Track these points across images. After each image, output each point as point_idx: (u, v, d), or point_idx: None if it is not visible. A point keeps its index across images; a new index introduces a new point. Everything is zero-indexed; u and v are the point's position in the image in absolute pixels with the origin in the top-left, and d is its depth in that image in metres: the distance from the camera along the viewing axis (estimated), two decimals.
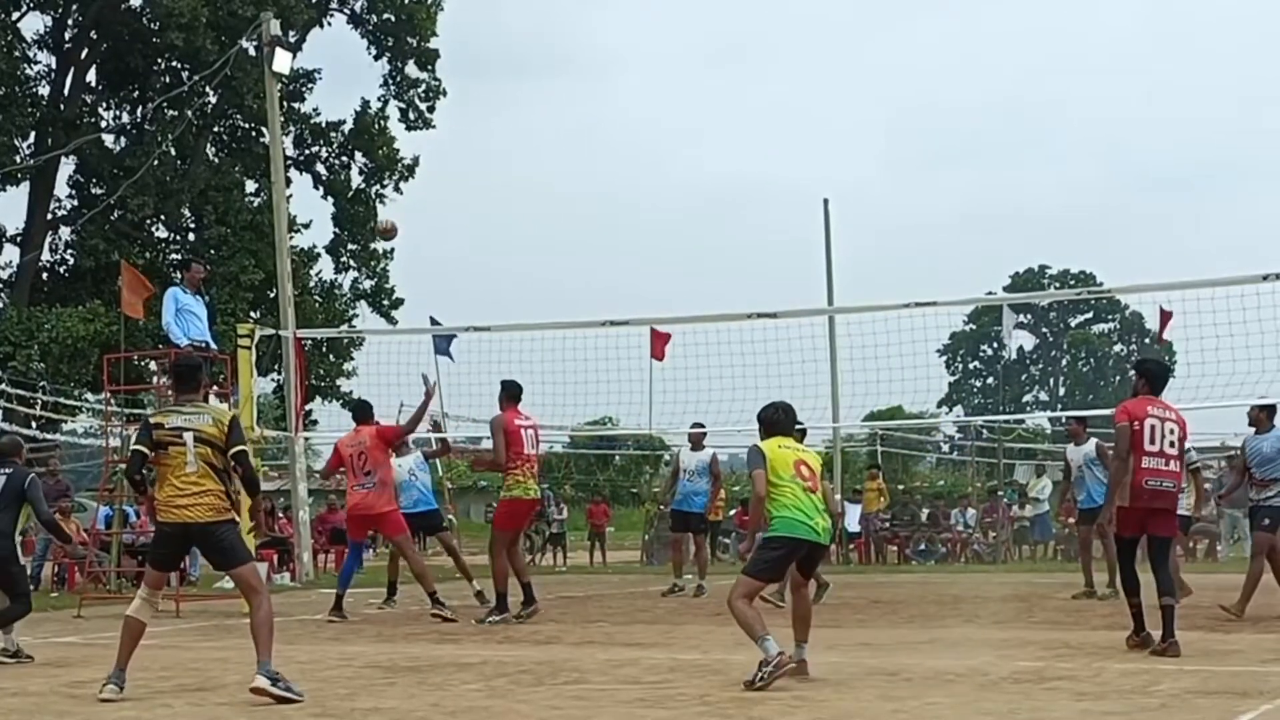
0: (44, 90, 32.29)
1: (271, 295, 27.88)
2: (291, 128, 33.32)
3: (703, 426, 16.67)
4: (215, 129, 33.75)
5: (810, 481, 8.28)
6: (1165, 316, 16.74)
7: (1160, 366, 10.04)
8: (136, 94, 33.06)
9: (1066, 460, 16.37)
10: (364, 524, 14.05)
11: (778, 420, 8.60)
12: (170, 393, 15.71)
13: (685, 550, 16.81)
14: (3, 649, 10.07)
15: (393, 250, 35.24)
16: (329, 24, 33.84)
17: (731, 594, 8.13)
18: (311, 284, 33.40)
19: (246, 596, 8.08)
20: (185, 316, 15.32)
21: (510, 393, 12.87)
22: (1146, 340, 76.30)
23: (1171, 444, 9.26)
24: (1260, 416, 12.79)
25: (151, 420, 8.17)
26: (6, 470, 10.24)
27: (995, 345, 79.42)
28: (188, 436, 7.87)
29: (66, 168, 32.19)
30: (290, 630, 11.95)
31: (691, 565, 16.73)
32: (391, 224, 18.78)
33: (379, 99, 34.53)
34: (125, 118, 33.35)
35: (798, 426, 9.79)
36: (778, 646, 7.82)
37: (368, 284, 34.96)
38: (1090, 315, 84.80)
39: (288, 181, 26.78)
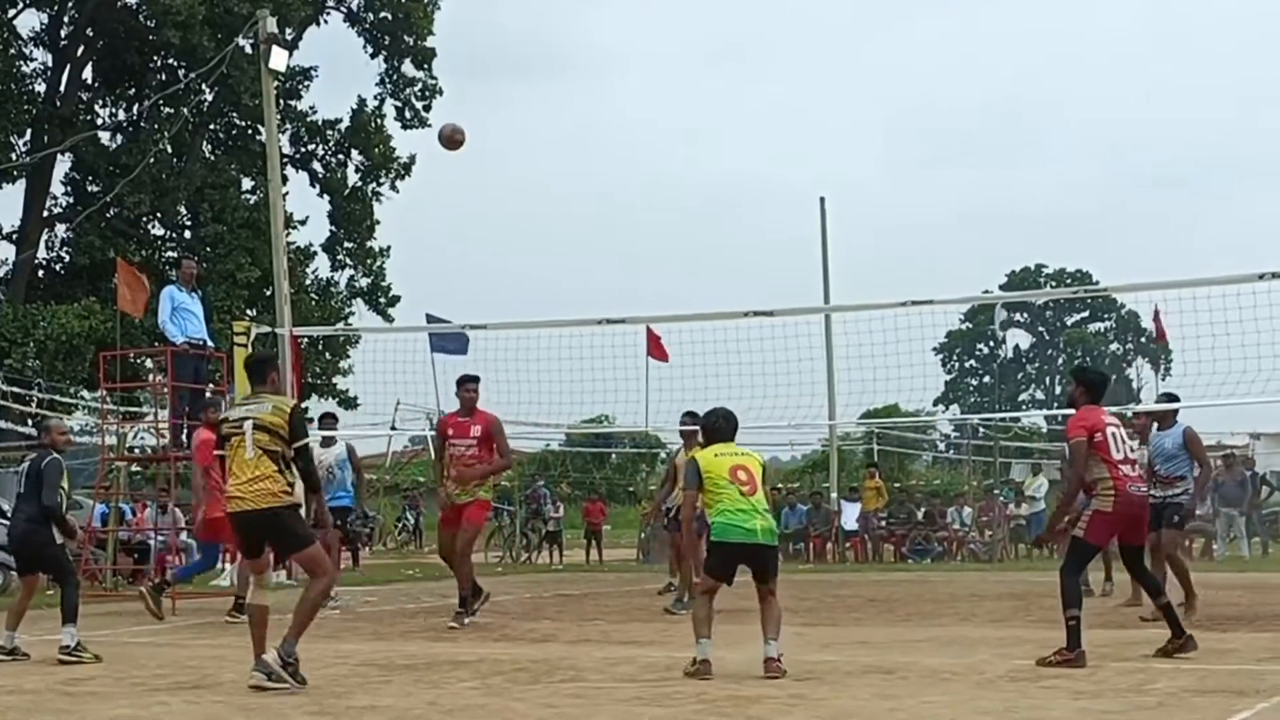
0: (40, 88, 32.32)
1: (268, 293, 27.88)
2: (288, 126, 33.32)
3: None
4: (211, 127, 33.76)
5: (748, 485, 8.46)
6: (1157, 320, 16.79)
7: (1101, 376, 9.94)
8: (133, 91, 33.06)
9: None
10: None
11: (719, 428, 8.86)
12: (166, 391, 15.81)
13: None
14: (64, 646, 10.03)
15: (389, 248, 35.31)
16: (325, 22, 33.88)
17: (693, 590, 8.71)
18: (308, 282, 33.41)
19: (310, 574, 8.27)
20: (182, 315, 15.32)
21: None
22: (1143, 339, 76.45)
23: (1132, 449, 9.20)
24: (1164, 413, 12.79)
25: (222, 417, 8.49)
26: (32, 455, 10.41)
27: (991, 344, 79.51)
28: (247, 425, 8.03)
29: (62, 165, 32.23)
30: (285, 628, 11.92)
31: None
32: (454, 133, 14.48)
33: (375, 97, 34.60)
34: (121, 115, 33.36)
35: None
36: (706, 653, 8.25)
37: (364, 282, 34.98)
38: (1086, 314, 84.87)
39: (284, 179, 26.76)
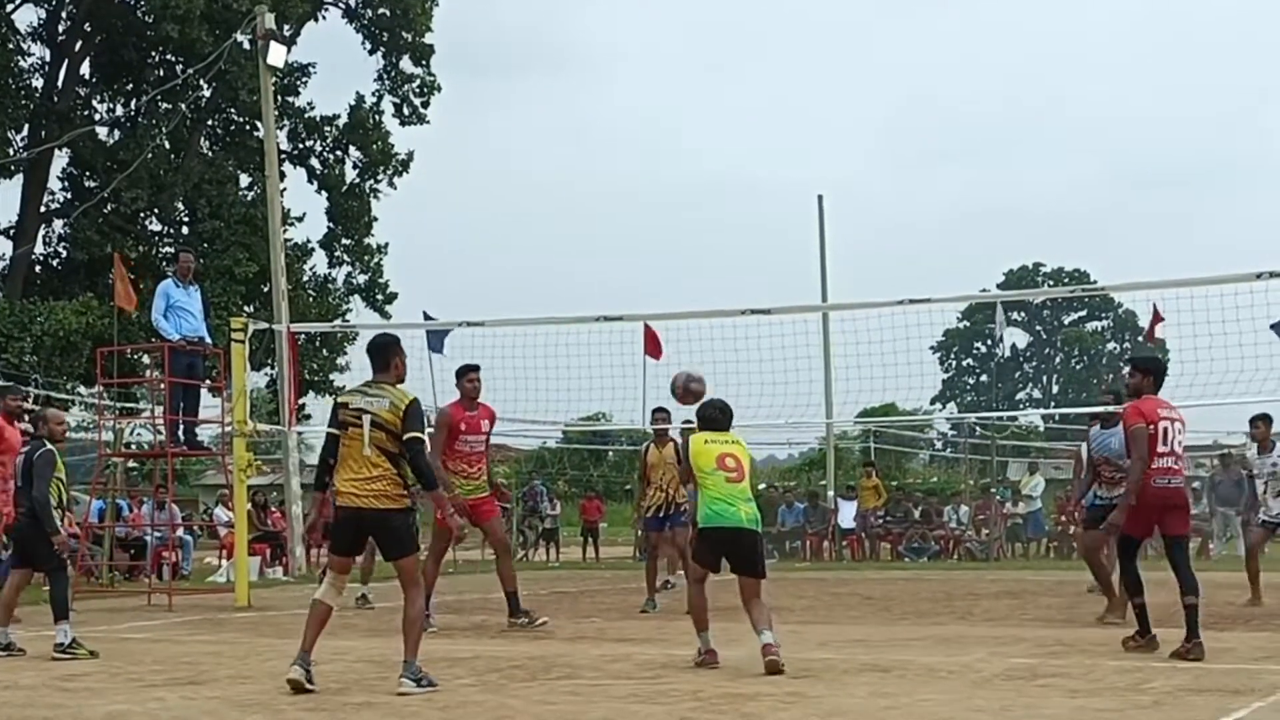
0: (38, 82, 32.25)
1: (265, 289, 27.85)
2: (286, 122, 33.29)
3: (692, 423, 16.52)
4: (209, 122, 33.72)
5: (735, 473, 8.75)
6: (1155, 318, 16.78)
7: (1161, 362, 10.10)
8: (130, 87, 33.01)
9: (1080, 457, 16.50)
10: None
11: (714, 419, 9.11)
12: (162, 387, 15.80)
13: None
14: (58, 644, 9.94)
15: (386, 245, 35.30)
16: (324, 18, 33.80)
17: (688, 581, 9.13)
18: (305, 278, 33.38)
19: (404, 588, 7.91)
20: (177, 313, 15.27)
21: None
22: (1140, 339, 76.45)
23: (1180, 443, 9.34)
24: (1109, 412, 12.84)
25: (338, 400, 8.08)
26: (27, 447, 10.33)
27: (989, 343, 79.49)
28: (365, 420, 7.71)
29: (60, 160, 32.18)
30: (283, 624, 11.95)
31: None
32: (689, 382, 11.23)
33: (373, 94, 34.54)
34: (119, 110, 33.32)
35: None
36: (710, 644, 8.67)
37: (361, 278, 34.95)
38: (1084, 313, 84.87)
39: (282, 176, 26.77)
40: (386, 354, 8.07)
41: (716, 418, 9.09)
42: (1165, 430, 9.28)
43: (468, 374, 11.96)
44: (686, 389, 10.31)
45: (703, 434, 9.02)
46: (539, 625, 11.31)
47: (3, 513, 12.10)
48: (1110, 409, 12.65)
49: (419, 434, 7.78)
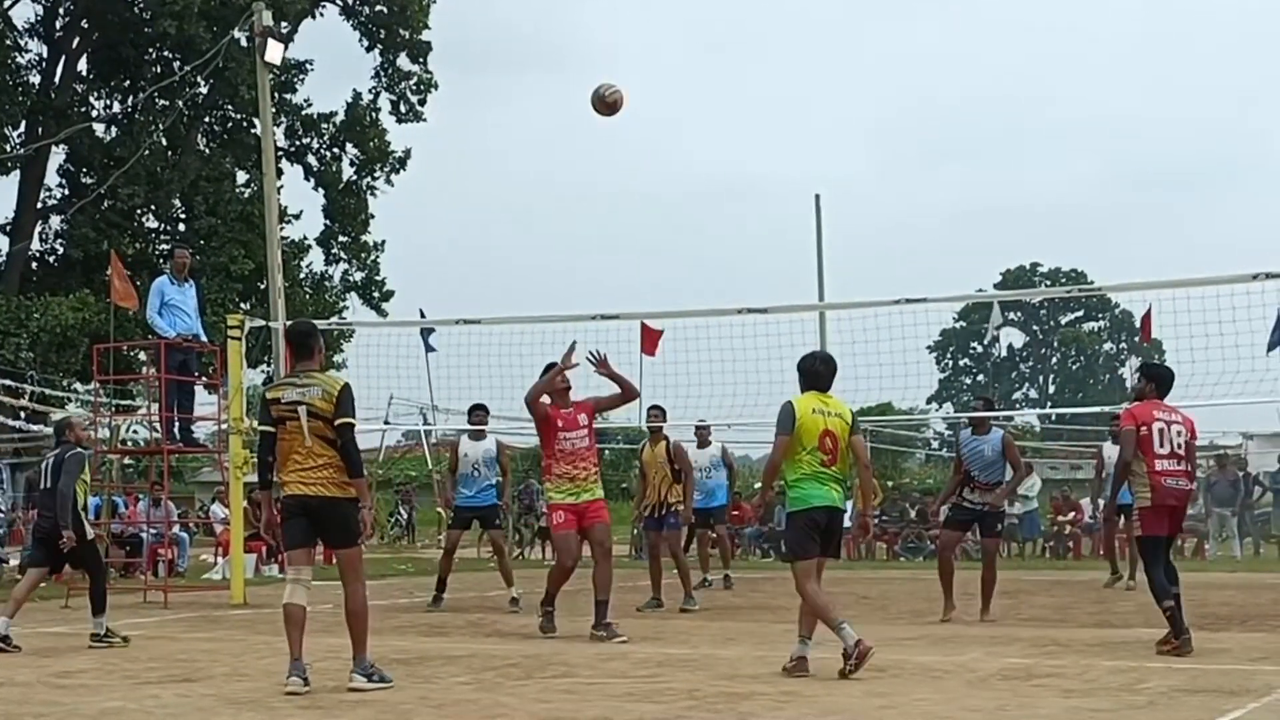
0: (35, 79, 32.23)
1: (261, 286, 27.82)
2: (283, 119, 33.26)
3: (705, 424, 16.67)
4: (206, 119, 33.69)
5: (831, 455, 8.18)
6: (1145, 318, 16.82)
7: (1167, 371, 10.23)
8: (128, 83, 32.97)
9: (1102, 457, 16.70)
10: None
11: (818, 372, 8.41)
12: (158, 384, 15.79)
13: (707, 545, 16.78)
14: (95, 634, 10.39)
15: (383, 242, 35.28)
16: (321, 15, 33.78)
17: (797, 585, 8.29)
18: (302, 275, 33.36)
19: (344, 581, 7.89)
20: (172, 310, 15.25)
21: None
22: (1136, 339, 76.52)
23: (1179, 445, 9.39)
24: (980, 419, 13.20)
25: (268, 396, 7.95)
26: (56, 450, 10.63)
27: (985, 342, 79.55)
28: (301, 411, 7.66)
29: (57, 157, 32.13)
30: (279, 622, 11.88)
31: (716, 559, 16.81)
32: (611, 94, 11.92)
33: (370, 91, 34.51)
34: (116, 107, 33.26)
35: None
36: (854, 633, 8.01)
37: (358, 276, 34.93)
38: (1081, 313, 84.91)
39: (279, 173, 26.78)
40: (310, 341, 8.02)
41: (820, 371, 8.36)
42: (1160, 432, 9.34)
43: (557, 372, 11.22)
44: (601, 99, 10.18)
45: (808, 398, 8.25)
46: (618, 641, 10.30)
47: None
48: (982, 414, 12.85)
49: (350, 419, 7.74)
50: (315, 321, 29.40)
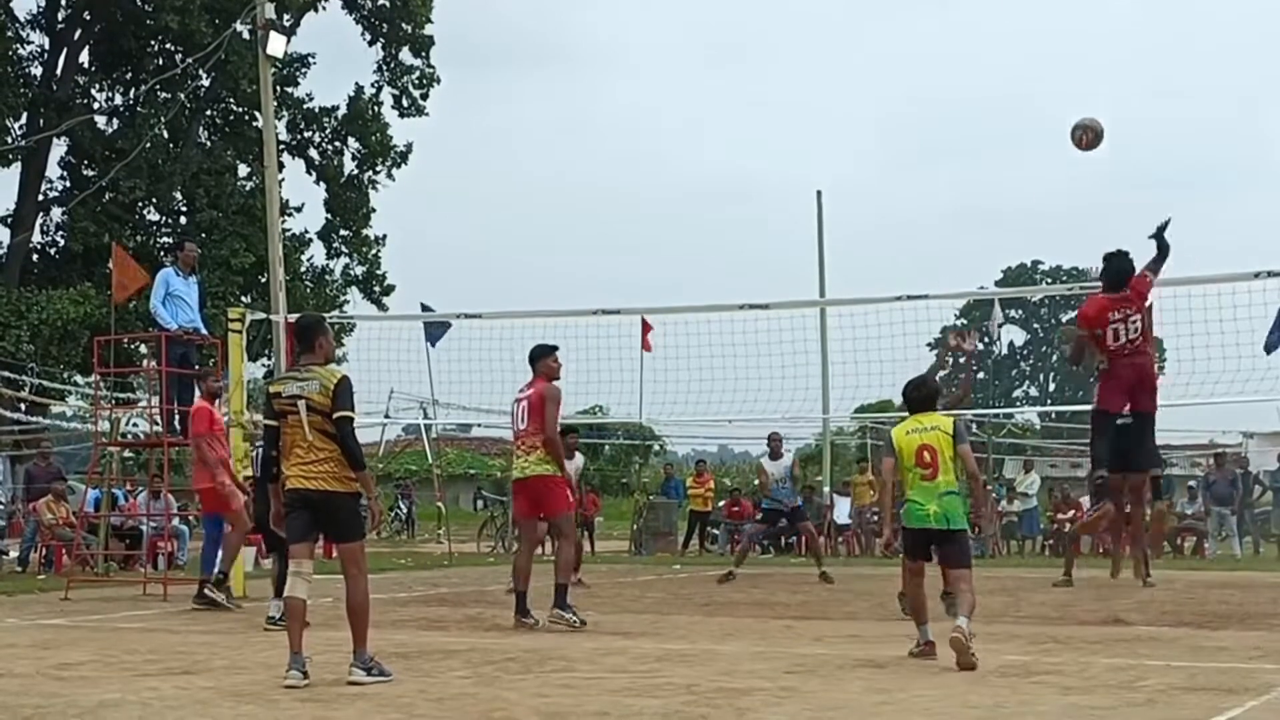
0: (36, 70, 32.18)
1: (262, 280, 27.78)
2: (285, 112, 33.23)
3: (779, 435, 17.56)
4: (208, 112, 33.67)
5: (929, 469, 8.68)
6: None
7: (1112, 258, 11.12)
8: (129, 76, 32.94)
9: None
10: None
11: (911, 399, 9.04)
12: (159, 376, 15.77)
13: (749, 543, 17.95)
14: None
15: (384, 236, 35.28)
16: (324, 8, 33.71)
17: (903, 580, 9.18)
18: (303, 269, 33.35)
19: (346, 575, 7.91)
20: (175, 301, 15.25)
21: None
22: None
23: (1135, 333, 10.14)
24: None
25: (270, 390, 7.99)
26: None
27: (985, 340, 79.50)
28: (301, 405, 7.68)
29: (58, 149, 32.10)
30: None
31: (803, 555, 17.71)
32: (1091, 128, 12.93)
33: (373, 85, 34.49)
34: (118, 99, 33.24)
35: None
36: (929, 635, 8.75)
37: (359, 270, 34.93)
38: None
39: (280, 166, 26.73)
40: (312, 335, 8.03)
41: (914, 398, 9.02)
42: (1116, 331, 9.66)
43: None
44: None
45: (906, 423, 8.89)
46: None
47: (234, 493, 13.02)
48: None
49: (348, 412, 7.72)
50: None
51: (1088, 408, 13.50)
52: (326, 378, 7.77)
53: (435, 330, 19.09)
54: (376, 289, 34.90)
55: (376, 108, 34.35)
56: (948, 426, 8.80)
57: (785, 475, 17.01)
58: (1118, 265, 11.32)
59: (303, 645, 7.72)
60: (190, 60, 27.42)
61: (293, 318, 9.75)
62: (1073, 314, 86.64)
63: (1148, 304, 10.54)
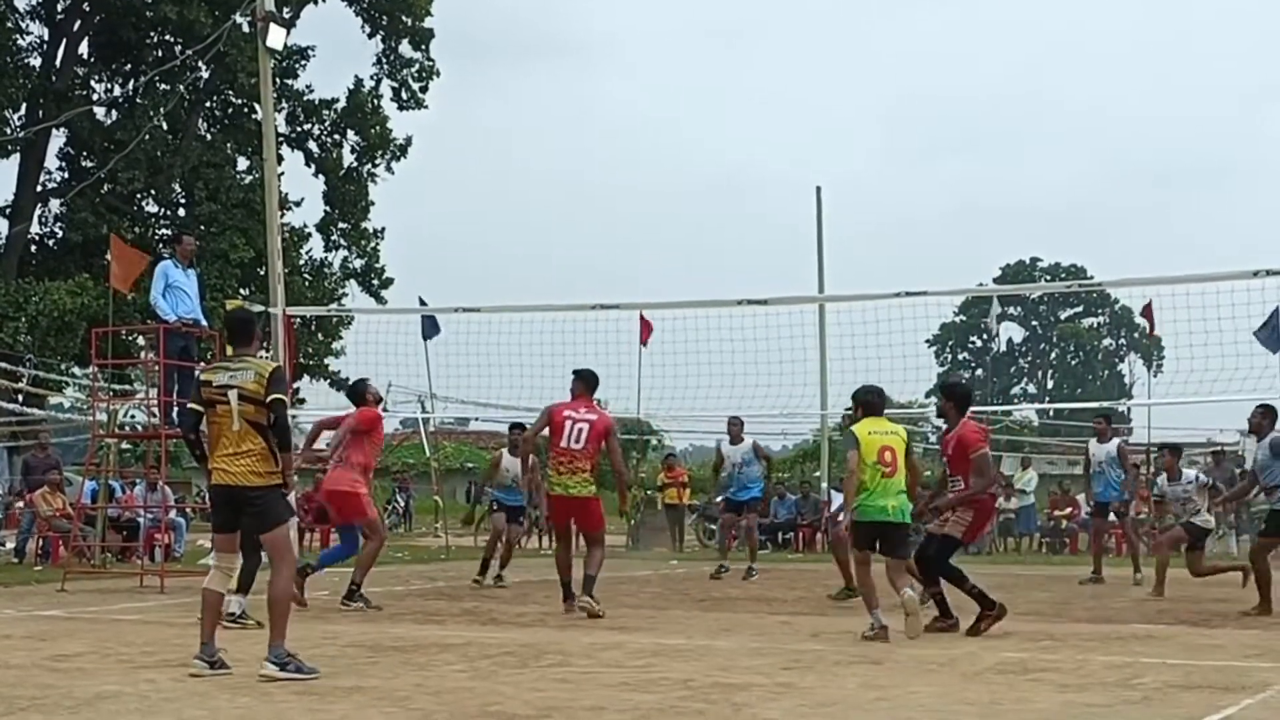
0: (36, 62, 32.18)
1: (261, 273, 27.80)
2: (284, 105, 33.22)
3: (738, 418, 17.21)
4: (207, 104, 33.65)
5: (890, 467, 9.64)
6: (1147, 312, 16.83)
7: (967, 389, 11.19)
8: (129, 67, 32.93)
9: (1089, 456, 16.87)
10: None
11: (872, 403, 10.08)
12: (156, 368, 15.76)
13: (736, 533, 17.38)
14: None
15: (383, 230, 35.26)
16: (323, 1, 33.73)
17: (853, 566, 10.20)
18: (301, 262, 33.33)
19: (271, 562, 7.96)
20: (175, 293, 15.22)
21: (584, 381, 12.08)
22: (1136, 335, 76.57)
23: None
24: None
25: (201, 377, 8.02)
26: None
27: (984, 337, 79.59)
28: (232, 395, 7.70)
29: (57, 140, 32.12)
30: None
31: (741, 548, 17.22)
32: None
33: (372, 78, 34.49)
34: (117, 91, 33.23)
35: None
36: (882, 620, 9.54)
37: (358, 263, 34.91)
38: (1080, 309, 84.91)
39: (279, 159, 26.70)
40: (249, 328, 8.14)
41: (875, 403, 10.02)
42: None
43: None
44: None
45: (866, 423, 9.80)
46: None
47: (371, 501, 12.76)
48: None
49: (280, 395, 7.78)
50: (315, 309, 29.43)
51: (1085, 405, 13.50)
52: (261, 367, 7.84)
53: (429, 328, 19.10)
54: (375, 282, 34.89)
55: (376, 100, 34.33)
56: (904, 434, 9.88)
57: (746, 459, 16.54)
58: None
59: (213, 638, 7.76)
60: (190, 52, 27.38)
61: (227, 310, 9.64)
62: (1071, 312, 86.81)
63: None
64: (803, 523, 26.19)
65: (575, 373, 12.15)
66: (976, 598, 9.91)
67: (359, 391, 12.92)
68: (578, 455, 11.43)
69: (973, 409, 10.54)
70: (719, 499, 17.99)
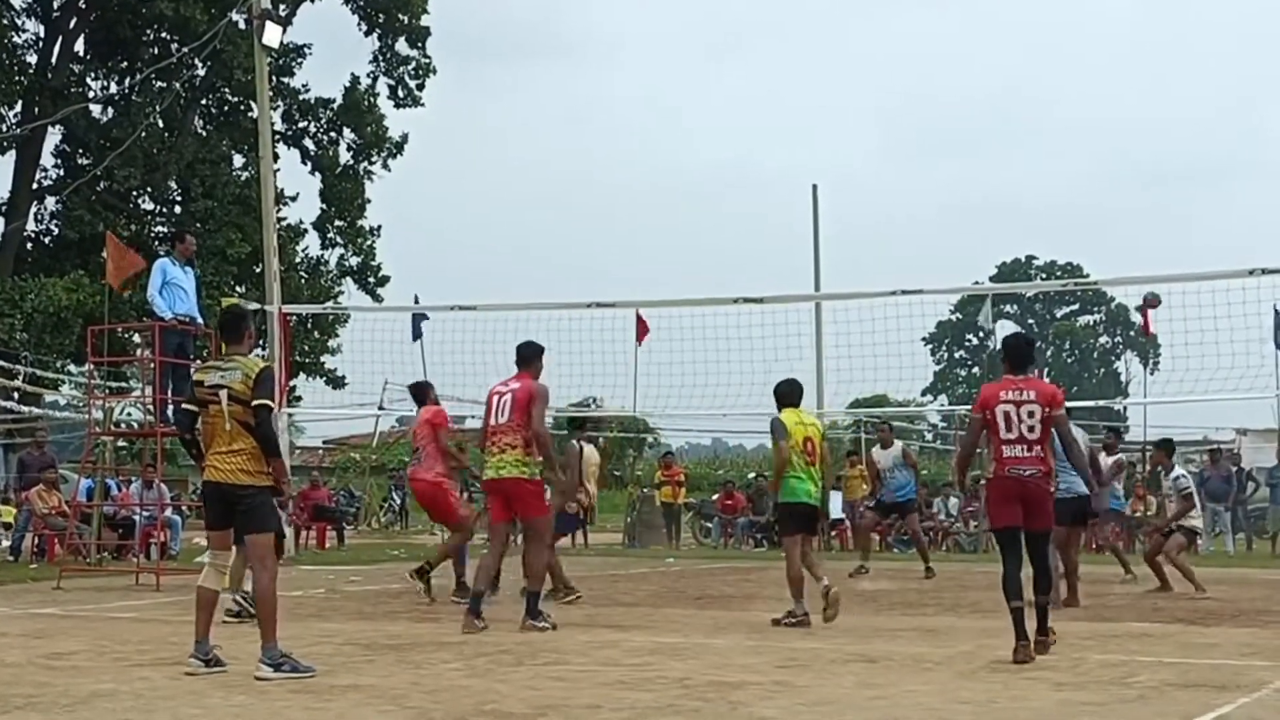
0: (32, 59, 32.16)
1: (257, 270, 27.81)
2: (280, 102, 33.20)
3: (889, 424, 18.05)
4: (203, 102, 33.62)
5: (812, 457, 10.32)
6: (1145, 310, 16.83)
7: (1016, 341, 9.01)
8: (125, 64, 32.90)
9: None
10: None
11: (789, 394, 10.58)
12: (152, 366, 15.74)
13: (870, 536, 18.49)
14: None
15: (379, 227, 35.23)
16: None
17: (786, 556, 10.57)
18: (298, 260, 33.32)
19: (251, 566, 8.00)
20: (172, 290, 15.22)
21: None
22: (1132, 333, 76.61)
23: (1029, 429, 8.46)
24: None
25: (195, 376, 8.02)
26: None
27: (980, 335, 79.61)
28: (222, 395, 7.69)
29: (53, 137, 32.10)
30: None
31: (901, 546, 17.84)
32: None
33: (369, 75, 34.47)
34: (113, 88, 33.20)
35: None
36: (804, 608, 10.29)
37: (354, 261, 34.90)
38: (1076, 307, 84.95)
39: (275, 156, 26.68)
40: (240, 325, 8.09)
41: (790, 393, 10.58)
42: (1006, 415, 8.41)
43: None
44: None
45: (789, 414, 10.40)
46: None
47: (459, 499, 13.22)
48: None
49: (265, 400, 7.72)
50: (311, 306, 29.39)
51: (1081, 404, 13.51)
52: (249, 367, 7.80)
53: (417, 326, 19.11)
54: (371, 280, 34.87)
55: (372, 98, 34.31)
56: (821, 425, 10.76)
57: (896, 464, 16.97)
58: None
59: (209, 635, 7.76)
60: (186, 49, 27.38)
61: (222, 307, 9.64)
62: (1067, 310, 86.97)
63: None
64: None
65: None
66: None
67: (424, 390, 13.20)
68: (504, 430, 10.30)
69: (967, 407, 10.46)
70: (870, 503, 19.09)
